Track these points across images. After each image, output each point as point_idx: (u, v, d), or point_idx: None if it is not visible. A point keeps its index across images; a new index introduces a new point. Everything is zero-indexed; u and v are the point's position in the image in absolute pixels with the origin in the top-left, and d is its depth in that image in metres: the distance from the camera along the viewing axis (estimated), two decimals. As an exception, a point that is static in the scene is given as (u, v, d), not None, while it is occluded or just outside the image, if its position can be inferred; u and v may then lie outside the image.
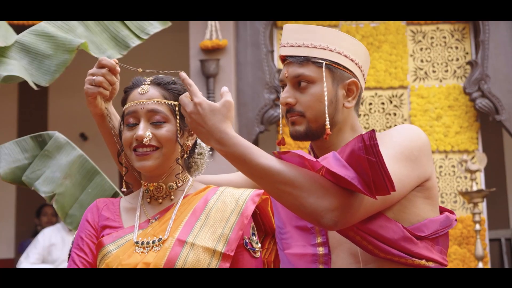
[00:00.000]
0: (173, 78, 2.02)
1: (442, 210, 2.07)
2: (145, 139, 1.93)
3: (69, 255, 2.03)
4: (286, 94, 2.06)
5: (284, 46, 2.09)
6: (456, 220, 2.06)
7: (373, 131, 1.78)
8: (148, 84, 1.99)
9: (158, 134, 1.95)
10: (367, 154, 1.75)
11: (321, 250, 2.02)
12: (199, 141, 2.08)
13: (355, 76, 2.09)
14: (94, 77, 2.06)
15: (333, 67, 2.05)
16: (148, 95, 1.97)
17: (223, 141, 1.81)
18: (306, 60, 2.05)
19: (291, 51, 2.08)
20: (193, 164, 2.08)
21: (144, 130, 1.94)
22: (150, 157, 1.95)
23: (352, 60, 2.08)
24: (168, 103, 1.97)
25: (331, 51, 2.06)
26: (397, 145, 1.93)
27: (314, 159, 1.85)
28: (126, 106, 2.00)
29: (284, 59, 2.11)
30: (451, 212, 2.07)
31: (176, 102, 1.98)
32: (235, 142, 1.82)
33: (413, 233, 1.93)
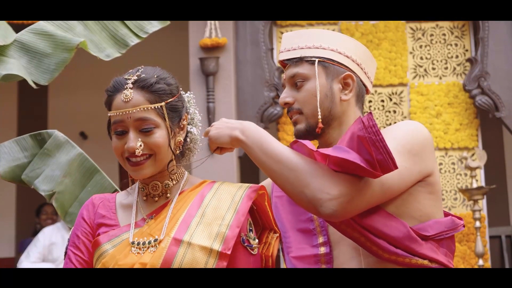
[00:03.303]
0: (156, 76, 1.95)
1: (449, 216, 2.08)
2: (137, 151, 1.89)
3: (65, 252, 2.02)
4: (284, 95, 2.14)
5: (282, 52, 2.18)
6: (463, 226, 2.07)
7: (371, 113, 1.85)
8: (131, 88, 1.92)
9: (150, 142, 1.91)
10: (367, 133, 1.80)
11: (322, 250, 2.04)
12: (189, 127, 2.05)
13: (351, 71, 2.13)
14: None
15: (327, 63, 2.11)
16: (132, 102, 1.90)
17: (247, 127, 1.97)
18: (300, 60, 2.13)
19: (287, 55, 2.16)
20: (186, 150, 2.06)
21: (134, 141, 1.90)
22: (144, 166, 1.93)
23: (348, 57, 2.13)
24: (154, 107, 1.92)
25: (324, 49, 2.13)
26: (398, 139, 1.95)
27: (315, 149, 1.89)
28: (111, 113, 1.94)
29: (284, 65, 2.19)
30: (459, 218, 2.08)
31: (163, 104, 1.93)
32: (258, 128, 1.99)
33: (418, 233, 1.94)
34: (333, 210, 1.83)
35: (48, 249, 6.32)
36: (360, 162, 1.80)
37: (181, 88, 2.04)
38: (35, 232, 7.20)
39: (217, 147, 2.05)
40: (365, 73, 2.18)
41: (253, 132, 1.97)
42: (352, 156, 1.81)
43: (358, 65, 2.15)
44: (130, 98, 1.91)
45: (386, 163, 1.80)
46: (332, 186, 1.84)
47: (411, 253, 1.92)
